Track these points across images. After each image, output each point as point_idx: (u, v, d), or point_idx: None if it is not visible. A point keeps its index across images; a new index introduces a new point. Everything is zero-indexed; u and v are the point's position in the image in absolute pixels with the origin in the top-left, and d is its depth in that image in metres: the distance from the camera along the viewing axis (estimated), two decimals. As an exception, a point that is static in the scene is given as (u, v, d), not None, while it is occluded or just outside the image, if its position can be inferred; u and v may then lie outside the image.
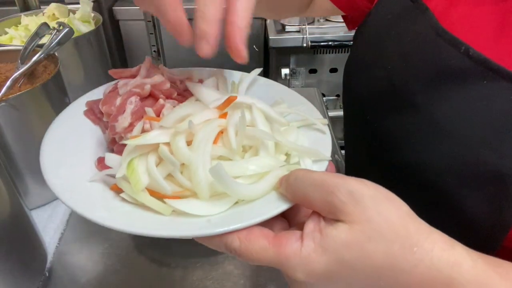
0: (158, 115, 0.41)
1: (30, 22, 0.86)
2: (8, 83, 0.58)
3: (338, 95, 1.68)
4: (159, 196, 0.35)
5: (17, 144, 0.60)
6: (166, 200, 0.34)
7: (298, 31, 1.52)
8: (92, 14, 0.88)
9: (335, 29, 1.51)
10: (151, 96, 0.44)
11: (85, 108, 0.46)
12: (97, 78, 0.85)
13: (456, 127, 0.37)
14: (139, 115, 0.42)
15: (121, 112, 0.41)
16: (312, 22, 1.54)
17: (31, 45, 0.62)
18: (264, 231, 0.31)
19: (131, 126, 0.41)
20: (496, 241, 0.36)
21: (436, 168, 0.39)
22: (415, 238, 0.27)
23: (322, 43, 1.49)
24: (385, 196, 0.28)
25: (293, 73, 1.63)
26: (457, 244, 0.28)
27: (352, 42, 0.57)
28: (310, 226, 0.29)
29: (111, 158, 0.39)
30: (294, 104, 0.47)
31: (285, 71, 1.61)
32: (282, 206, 0.32)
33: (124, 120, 0.41)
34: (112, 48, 1.56)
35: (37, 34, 0.63)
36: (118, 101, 0.43)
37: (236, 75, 0.51)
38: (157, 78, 0.44)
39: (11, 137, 0.59)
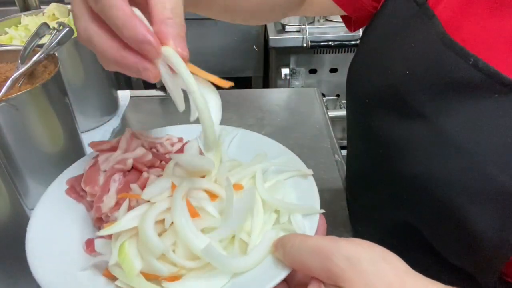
0: (143, 188, 0.41)
1: (30, 22, 0.86)
2: (8, 83, 0.58)
3: (338, 95, 1.68)
4: (155, 278, 0.34)
5: (17, 144, 0.60)
6: (164, 284, 0.34)
7: (298, 31, 1.52)
8: (92, 14, 0.88)
9: (335, 29, 1.51)
10: (134, 169, 0.44)
11: (66, 187, 0.45)
12: (97, 78, 0.85)
13: (465, 141, 0.37)
14: (124, 192, 0.41)
15: (106, 191, 0.41)
16: (312, 22, 1.54)
17: (31, 45, 0.62)
18: None
19: (117, 204, 0.41)
20: (501, 259, 0.36)
21: (442, 181, 0.38)
22: None
23: (322, 43, 1.50)
24: (381, 257, 0.29)
25: (293, 73, 1.63)
26: None
27: (352, 42, 0.56)
28: None
29: (101, 244, 0.38)
30: (277, 155, 0.47)
31: (285, 71, 1.61)
32: (282, 274, 0.32)
33: (110, 200, 0.40)
34: (112, 48, 1.56)
35: (37, 34, 0.63)
36: (101, 179, 0.43)
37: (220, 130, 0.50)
38: (139, 151, 0.44)
39: (11, 137, 0.59)
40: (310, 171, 0.43)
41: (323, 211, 0.38)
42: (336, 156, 0.82)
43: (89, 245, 0.39)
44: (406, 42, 0.44)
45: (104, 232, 0.35)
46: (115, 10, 0.31)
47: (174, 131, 0.52)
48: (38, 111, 0.60)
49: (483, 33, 0.38)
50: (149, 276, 0.34)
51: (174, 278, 0.34)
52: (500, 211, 0.35)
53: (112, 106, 0.92)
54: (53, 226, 0.40)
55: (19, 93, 0.56)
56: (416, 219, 0.43)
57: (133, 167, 0.43)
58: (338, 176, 0.77)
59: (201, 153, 0.47)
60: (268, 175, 0.45)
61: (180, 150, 0.48)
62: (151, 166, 0.44)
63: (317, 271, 0.29)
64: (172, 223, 0.35)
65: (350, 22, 0.61)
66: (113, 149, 0.45)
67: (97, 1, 0.32)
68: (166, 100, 1.00)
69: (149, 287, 0.33)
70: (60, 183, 0.45)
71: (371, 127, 0.48)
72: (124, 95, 0.98)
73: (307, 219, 0.38)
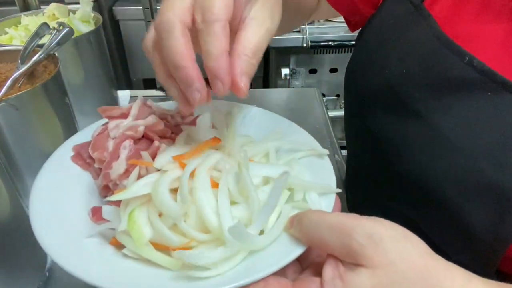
0: (153, 158, 0.39)
1: (30, 22, 0.86)
2: (8, 83, 0.58)
3: (338, 95, 1.68)
4: (164, 248, 0.33)
5: (17, 144, 0.60)
6: (174, 253, 0.32)
7: (298, 31, 1.52)
8: (92, 14, 0.88)
9: (335, 29, 1.51)
10: (145, 138, 0.42)
11: (72, 153, 0.43)
12: (97, 78, 0.85)
13: (459, 139, 0.37)
14: (134, 159, 0.39)
15: (115, 158, 0.39)
16: (312, 22, 1.54)
17: (31, 45, 0.62)
18: (281, 282, 0.30)
19: (127, 172, 0.38)
20: (497, 254, 0.36)
21: (437, 179, 0.38)
22: (435, 278, 0.27)
23: (322, 43, 1.50)
24: (404, 235, 0.28)
25: (293, 73, 1.63)
26: (475, 278, 0.28)
27: (352, 42, 0.57)
28: (329, 272, 0.29)
29: (109, 211, 0.36)
30: (291, 134, 0.46)
31: (285, 71, 1.61)
32: (297, 251, 0.31)
33: (119, 167, 0.38)
34: (112, 48, 1.56)
35: (37, 34, 0.63)
36: (111, 145, 0.40)
37: (232, 106, 0.49)
38: (151, 119, 0.42)
39: (11, 137, 0.59)
40: (326, 151, 0.42)
41: (339, 190, 0.37)
42: (336, 156, 0.82)
43: (96, 212, 0.37)
44: (402, 42, 0.44)
45: (115, 197, 0.34)
46: (171, 40, 0.31)
47: None
48: (38, 111, 0.60)
49: (476, 33, 0.39)
50: (158, 246, 0.33)
51: (184, 249, 0.33)
52: (494, 208, 0.35)
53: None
54: (57, 193, 0.39)
55: (19, 93, 0.56)
56: (414, 215, 0.43)
57: (144, 136, 0.42)
58: (338, 176, 0.77)
59: (213, 126, 0.46)
60: (282, 154, 0.44)
61: (192, 123, 0.46)
62: (162, 136, 0.42)
63: (336, 247, 0.28)
64: (186, 192, 0.34)
65: (350, 23, 0.62)
66: (124, 116, 0.43)
67: (158, 22, 0.32)
68: (166, 100, 1.00)
69: (158, 257, 0.32)
70: (65, 150, 0.43)
71: (368, 126, 0.48)
72: (124, 95, 0.98)
73: (323, 198, 0.36)
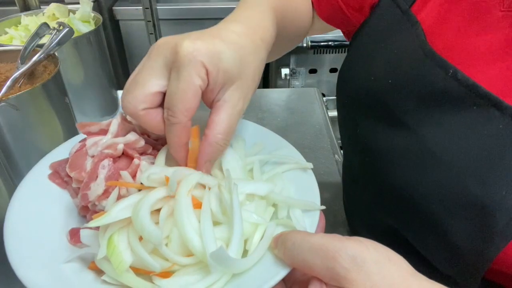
0: (134, 177, 0.38)
1: (30, 22, 0.86)
2: (8, 83, 0.58)
3: (338, 95, 1.68)
4: (146, 273, 0.32)
5: (17, 144, 0.60)
6: (155, 280, 0.32)
7: (298, 31, 1.52)
8: (92, 14, 0.88)
9: (335, 29, 1.51)
10: (125, 155, 0.40)
11: (49, 172, 0.42)
12: (97, 78, 0.85)
13: (445, 154, 0.36)
14: (113, 179, 0.38)
15: (94, 178, 0.37)
16: (312, 22, 1.54)
17: (31, 45, 0.62)
18: None
19: (106, 192, 0.37)
20: (482, 267, 0.36)
21: (423, 193, 0.38)
22: None
23: (322, 43, 1.50)
24: (386, 257, 0.28)
25: (293, 73, 1.63)
26: None
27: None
28: None
29: (87, 235, 0.35)
30: (274, 147, 0.45)
31: (285, 71, 1.61)
32: (281, 273, 0.31)
33: (97, 188, 0.37)
34: (112, 48, 1.56)
35: (37, 34, 0.63)
36: (89, 164, 0.39)
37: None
38: (131, 137, 0.40)
39: (11, 137, 0.59)
40: (310, 165, 0.41)
41: (323, 207, 0.37)
42: (336, 156, 0.82)
43: (74, 235, 0.36)
44: (389, 49, 0.43)
45: (93, 224, 0.32)
46: (176, 128, 0.36)
47: None
48: (38, 111, 0.60)
49: (462, 43, 0.38)
50: (139, 271, 0.32)
51: (166, 274, 0.32)
52: (477, 224, 0.35)
53: (112, 106, 0.92)
54: (34, 214, 0.37)
55: (19, 93, 0.56)
56: (401, 227, 0.43)
57: (124, 153, 0.40)
58: (338, 176, 0.77)
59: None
60: (266, 167, 0.43)
61: None
62: (143, 153, 0.41)
63: (320, 270, 0.28)
64: (168, 215, 0.34)
65: (345, 33, 0.62)
66: (103, 132, 0.41)
67: (168, 102, 0.36)
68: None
69: (139, 283, 0.31)
70: (42, 168, 0.42)
71: (358, 134, 0.48)
72: (124, 95, 0.98)
73: (307, 215, 0.36)
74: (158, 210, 0.34)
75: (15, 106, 0.56)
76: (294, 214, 0.36)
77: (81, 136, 0.44)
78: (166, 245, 0.33)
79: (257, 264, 0.32)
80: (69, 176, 0.40)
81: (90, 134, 0.42)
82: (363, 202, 0.53)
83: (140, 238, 0.33)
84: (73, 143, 0.43)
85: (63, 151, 0.43)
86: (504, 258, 0.34)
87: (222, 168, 0.40)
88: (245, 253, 0.34)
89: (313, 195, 0.38)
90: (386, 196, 0.43)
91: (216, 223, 0.35)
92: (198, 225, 0.33)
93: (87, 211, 0.39)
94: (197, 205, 0.35)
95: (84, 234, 0.35)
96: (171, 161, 0.40)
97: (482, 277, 0.36)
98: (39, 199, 0.39)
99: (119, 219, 0.33)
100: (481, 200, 0.34)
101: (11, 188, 0.52)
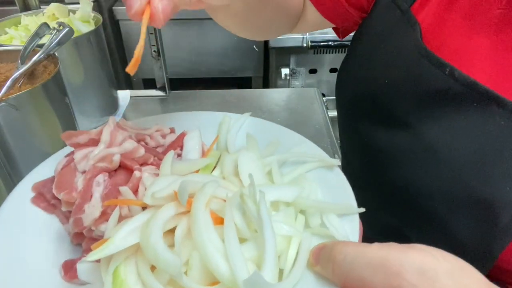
0: (135, 192, 0.32)
1: (30, 22, 0.86)
2: (8, 83, 0.58)
3: (338, 95, 1.68)
4: None
5: (17, 144, 0.60)
6: None
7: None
8: (92, 14, 0.88)
9: (335, 29, 1.51)
10: (121, 167, 0.34)
11: (32, 194, 0.34)
12: (97, 78, 0.85)
13: (447, 151, 0.36)
14: (111, 197, 0.31)
15: (87, 198, 0.31)
16: (312, 22, 1.54)
17: (31, 45, 0.62)
18: None
19: (104, 214, 0.30)
20: (487, 265, 0.36)
21: (424, 191, 0.38)
22: None
23: (322, 43, 1.50)
24: (459, 267, 0.24)
25: (293, 73, 1.63)
26: None
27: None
28: None
29: (85, 270, 0.28)
30: (291, 144, 0.39)
31: (285, 71, 1.61)
32: None
33: (93, 209, 0.30)
34: (112, 48, 1.56)
35: (37, 34, 0.63)
36: (80, 182, 0.32)
37: (223, 117, 0.43)
38: (128, 145, 0.34)
39: (11, 137, 0.59)
40: (337, 161, 0.36)
41: (363, 209, 0.31)
42: (336, 156, 0.82)
43: (68, 269, 0.30)
44: (388, 50, 0.43)
45: (94, 256, 0.26)
46: None
47: (164, 120, 0.43)
48: (38, 111, 0.60)
49: (461, 42, 0.38)
50: None
51: None
52: (480, 221, 0.35)
53: (112, 106, 0.92)
54: (17, 248, 0.30)
55: (19, 93, 0.56)
56: (402, 225, 0.43)
57: (121, 165, 0.34)
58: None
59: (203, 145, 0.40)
60: (285, 168, 0.37)
61: (175, 143, 0.39)
62: (143, 163, 0.35)
63: None
64: (184, 235, 0.28)
65: (338, 31, 0.61)
66: (93, 142, 0.35)
67: None
68: (166, 100, 1.00)
69: None
70: (23, 190, 0.35)
71: (358, 134, 0.47)
72: (124, 95, 0.98)
73: (345, 221, 0.30)
74: (170, 231, 0.28)
75: (15, 106, 0.56)
76: (329, 220, 0.31)
77: (67, 149, 0.37)
78: (185, 273, 0.27)
79: (297, 286, 0.26)
80: (56, 198, 0.33)
81: (78, 145, 0.35)
82: (364, 201, 0.53)
83: (152, 268, 0.27)
84: (58, 158, 0.36)
85: (46, 169, 0.36)
86: (508, 255, 0.34)
87: (239, 172, 0.34)
88: (279, 272, 0.28)
89: (346, 196, 0.33)
90: (388, 195, 0.43)
91: (241, 239, 0.29)
92: (222, 245, 0.27)
93: (82, 238, 0.32)
94: (217, 220, 0.29)
95: (82, 268, 0.28)
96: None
97: (487, 275, 0.37)
98: (22, 229, 0.32)
99: (125, 247, 0.27)
100: (484, 197, 0.34)
101: (11, 188, 0.52)
